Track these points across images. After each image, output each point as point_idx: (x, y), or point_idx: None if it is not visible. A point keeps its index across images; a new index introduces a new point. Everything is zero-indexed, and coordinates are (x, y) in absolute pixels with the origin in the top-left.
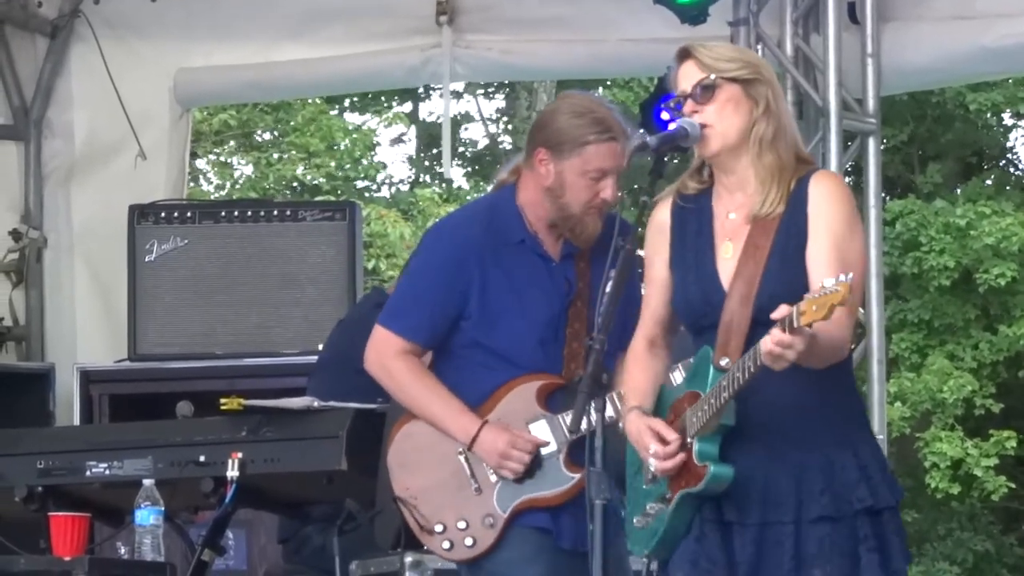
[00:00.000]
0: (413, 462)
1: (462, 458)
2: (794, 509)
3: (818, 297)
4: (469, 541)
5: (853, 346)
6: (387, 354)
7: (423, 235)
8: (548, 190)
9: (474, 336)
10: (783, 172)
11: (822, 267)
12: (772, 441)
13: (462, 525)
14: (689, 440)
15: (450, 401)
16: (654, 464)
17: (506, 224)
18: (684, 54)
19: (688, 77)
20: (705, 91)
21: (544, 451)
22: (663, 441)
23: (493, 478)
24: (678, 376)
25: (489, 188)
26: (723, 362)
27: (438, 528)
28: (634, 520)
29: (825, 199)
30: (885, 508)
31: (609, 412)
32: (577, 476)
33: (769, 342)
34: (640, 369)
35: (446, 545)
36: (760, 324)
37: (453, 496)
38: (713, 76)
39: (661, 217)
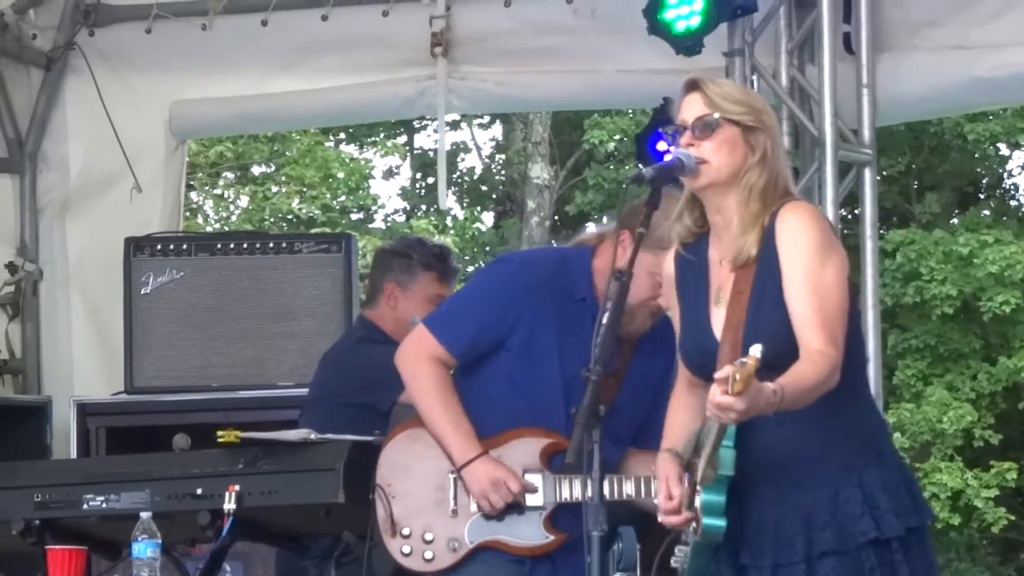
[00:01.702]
0: (406, 464)
1: (452, 478)
2: (804, 548)
3: (739, 367)
4: (428, 555)
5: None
6: (421, 353)
7: (496, 257)
8: (617, 271)
9: (508, 369)
10: (762, 217)
11: (798, 302)
12: (777, 484)
13: (428, 537)
14: (697, 488)
15: (460, 421)
16: (660, 517)
17: (574, 279)
18: (692, 85)
19: (691, 108)
20: (705, 128)
21: (530, 503)
22: (668, 496)
23: (473, 508)
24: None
25: (482, 215)
26: None
27: (404, 531)
28: (671, 561)
29: (792, 231)
30: (894, 537)
31: (628, 491)
32: (551, 538)
33: (711, 400)
34: (678, 409)
35: (405, 550)
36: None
37: (429, 508)
38: (716, 115)
39: (668, 270)
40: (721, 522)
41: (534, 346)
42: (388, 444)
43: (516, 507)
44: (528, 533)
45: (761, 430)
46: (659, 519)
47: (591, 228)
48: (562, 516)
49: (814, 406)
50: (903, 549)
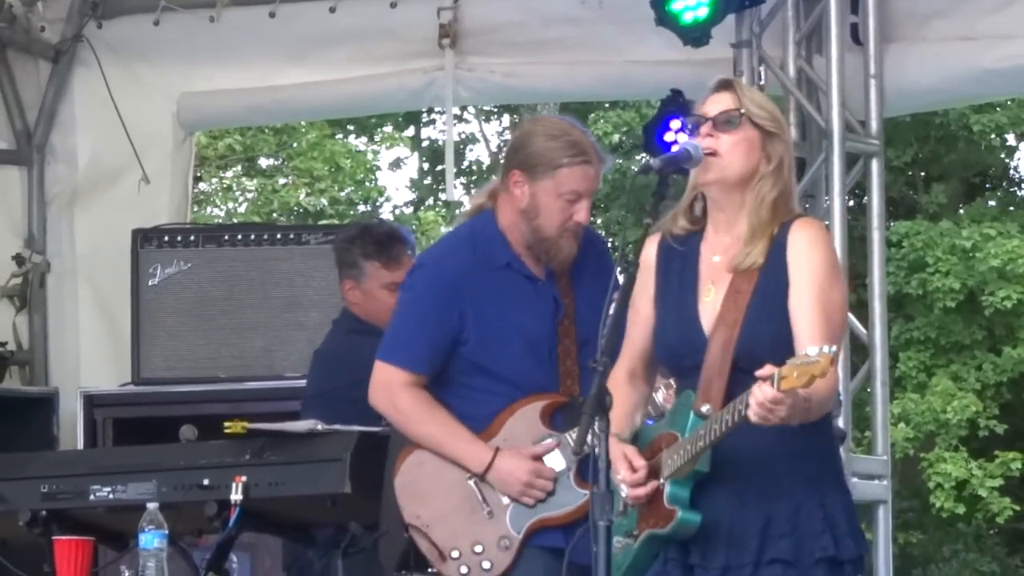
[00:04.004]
0: (423, 490)
1: (472, 483)
2: (755, 552)
3: (799, 364)
4: (487, 564)
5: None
6: (393, 389)
7: (409, 270)
8: (523, 212)
9: (473, 360)
10: (772, 227)
11: (805, 316)
12: (740, 487)
13: (478, 549)
14: (662, 481)
15: (458, 431)
16: (624, 491)
17: (490, 249)
18: (725, 84)
19: (718, 104)
20: (728, 122)
21: (557, 470)
22: (632, 468)
23: (504, 501)
24: (659, 396)
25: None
26: (704, 408)
27: (454, 554)
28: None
29: (805, 247)
30: (847, 560)
31: None
32: (587, 493)
33: (759, 398)
34: (618, 399)
35: (464, 570)
36: (740, 371)
37: (466, 521)
38: (741, 111)
39: (648, 254)
40: (696, 516)
41: (487, 326)
42: (397, 479)
43: None
44: (565, 498)
45: (731, 434)
46: (624, 495)
47: (479, 193)
48: (586, 468)
49: None
50: (855, 573)
